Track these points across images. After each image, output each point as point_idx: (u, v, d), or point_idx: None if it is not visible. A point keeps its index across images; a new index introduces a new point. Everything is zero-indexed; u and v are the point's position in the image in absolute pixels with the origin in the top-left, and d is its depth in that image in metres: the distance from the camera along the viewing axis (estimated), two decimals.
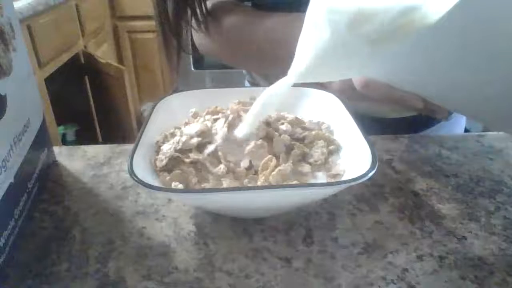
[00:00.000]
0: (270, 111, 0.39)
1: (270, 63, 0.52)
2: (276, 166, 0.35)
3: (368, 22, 0.26)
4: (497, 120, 0.37)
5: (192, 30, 0.56)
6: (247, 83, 0.71)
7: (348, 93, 0.39)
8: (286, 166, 0.35)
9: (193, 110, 0.43)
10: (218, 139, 0.37)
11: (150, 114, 0.41)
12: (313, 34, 0.30)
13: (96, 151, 0.49)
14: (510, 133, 0.45)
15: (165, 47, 0.58)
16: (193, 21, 0.54)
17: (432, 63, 0.29)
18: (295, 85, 0.33)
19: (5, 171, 0.32)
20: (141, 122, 0.38)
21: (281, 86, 0.33)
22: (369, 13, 0.26)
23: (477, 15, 0.24)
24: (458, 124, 0.67)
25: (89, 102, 1.95)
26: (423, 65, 0.30)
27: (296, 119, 0.42)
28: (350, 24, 0.27)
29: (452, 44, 0.27)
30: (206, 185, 0.36)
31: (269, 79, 0.63)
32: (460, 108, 0.37)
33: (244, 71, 0.71)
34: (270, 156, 0.36)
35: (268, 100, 0.33)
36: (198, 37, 0.58)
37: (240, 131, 0.35)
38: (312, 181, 0.36)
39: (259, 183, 0.35)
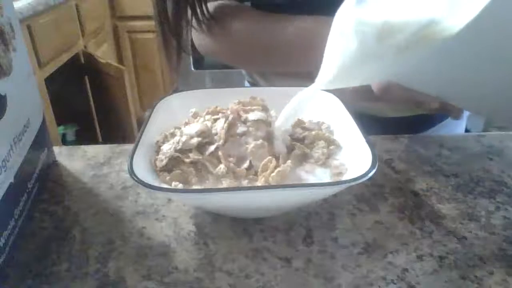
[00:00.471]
0: (300, 114, 0.42)
1: (291, 66, 0.52)
2: (275, 167, 0.35)
3: (394, 33, 0.28)
4: (495, 114, 0.39)
5: (192, 30, 0.56)
6: (247, 83, 0.71)
7: (363, 95, 0.40)
8: (286, 167, 0.35)
9: (193, 110, 0.43)
10: (218, 139, 0.37)
11: (150, 114, 0.41)
12: (340, 43, 0.33)
13: (96, 151, 0.49)
14: (509, 124, 0.46)
15: (164, 47, 0.58)
16: (194, 21, 0.53)
17: (439, 66, 0.31)
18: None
19: (5, 171, 0.32)
20: (141, 122, 0.38)
21: (311, 92, 0.37)
22: (395, 24, 0.28)
23: (489, 25, 0.26)
24: (458, 124, 0.67)
25: (89, 102, 1.95)
26: (432, 68, 0.31)
27: (296, 119, 0.42)
28: (378, 35, 0.29)
29: (461, 50, 0.29)
30: (206, 185, 0.36)
31: (269, 80, 0.63)
32: (461, 104, 0.39)
33: (243, 71, 0.71)
34: (270, 157, 0.36)
35: (298, 106, 0.38)
36: (198, 38, 0.58)
37: (277, 128, 0.39)
38: (312, 181, 0.36)
39: (258, 184, 0.35)
